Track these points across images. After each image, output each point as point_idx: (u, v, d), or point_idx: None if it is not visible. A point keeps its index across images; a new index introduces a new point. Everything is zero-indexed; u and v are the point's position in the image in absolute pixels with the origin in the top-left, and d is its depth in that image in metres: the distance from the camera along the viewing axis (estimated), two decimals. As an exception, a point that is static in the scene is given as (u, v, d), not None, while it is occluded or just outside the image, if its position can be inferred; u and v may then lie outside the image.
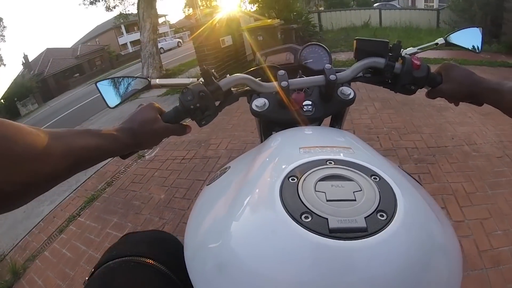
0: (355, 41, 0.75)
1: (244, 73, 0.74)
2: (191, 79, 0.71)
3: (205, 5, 15.27)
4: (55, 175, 0.44)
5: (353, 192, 0.38)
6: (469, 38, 0.79)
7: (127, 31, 36.39)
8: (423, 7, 16.18)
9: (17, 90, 24.25)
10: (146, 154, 3.69)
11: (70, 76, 29.38)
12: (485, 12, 7.15)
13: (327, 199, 0.37)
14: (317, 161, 0.44)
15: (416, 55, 0.73)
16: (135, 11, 9.76)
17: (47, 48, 31.44)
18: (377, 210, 0.36)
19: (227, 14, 6.49)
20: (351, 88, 0.76)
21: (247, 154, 0.70)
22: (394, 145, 2.99)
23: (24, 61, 29.69)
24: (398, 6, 18.93)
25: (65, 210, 3.05)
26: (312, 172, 0.42)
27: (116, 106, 0.70)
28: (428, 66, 0.71)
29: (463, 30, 0.80)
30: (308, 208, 0.36)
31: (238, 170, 0.58)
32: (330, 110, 0.76)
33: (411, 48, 0.77)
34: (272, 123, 0.85)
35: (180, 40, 33.07)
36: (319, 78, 0.71)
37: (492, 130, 3.17)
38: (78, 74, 29.91)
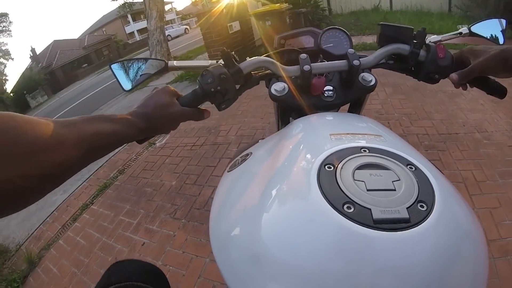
0: (379, 26, 0.73)
1: (265, 56, 0.72)
2: (210, 61, 0.69)
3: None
4: (70, 165, 0.43)
5: (392, 181, 0.37)
6: (492, 28, 0.78)
7: (134, 20, 36.26)
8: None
9: (26, 83, 24.64)
10: (157, 142, 3.72)
11: (78, 67, 29.60)
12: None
13: (367, 188, 0.36)
14: (352, 148, 0.43)
15: (440, 43, 0.71)
16: (140, 0, 9.70)
17: (54, 40, 31.60)
18: (417, 201, 0.35)
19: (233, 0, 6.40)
20: (372, 75, 0.74)
21: (268, 140, 0.68)
22: (404, 131, 2.95)
23: (31, 54, 30.00)
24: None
25: (78, 199, 3.11)
26: (348, 160, 0.40)
27: (131, 89, 0.69)
28: (452, 55, 0.69)
29: (486, 21, 0.79)
30: (349, 198, 0.35)
31: (262, 157, 0.57)
32: (351, 96, 0.74)
33: (435, 36, 0.75)
34: (290, 108, 0.83)
35: (187, 27, 32.92)
36: (342, 63, 0.69)
37: (504, 118, 3.09)
38: (86, 65, 30.10)
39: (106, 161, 3.69)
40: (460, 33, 0.76)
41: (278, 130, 0.87)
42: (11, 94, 26.46)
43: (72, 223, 2.72)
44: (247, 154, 0.62)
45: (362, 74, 0.74)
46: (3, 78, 27.65)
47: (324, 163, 0.40)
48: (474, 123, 3.01)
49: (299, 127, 0.60)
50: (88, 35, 34.48)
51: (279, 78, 0.73)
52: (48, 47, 31.01)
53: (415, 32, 0.70)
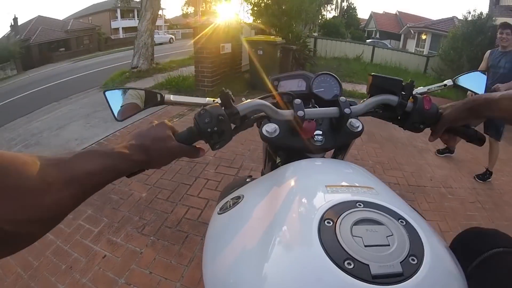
0: (370, 77, 0.77)
1: (259, 98, 0.73)
2: (207, 99, 0.69)
3: (204, 7, 15.31)
4: (59, 207, 0.40)
5: (386, 237, 0.40)
6: (474, 81, 0.84)
7: (122, 17, 35.61)
8: (413, 51, 17.03)
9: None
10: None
11: (55, 49, 28.16)
12: (472, 65, 7.65)
13: (365, 244, 0.38)
14: (348, 202, 0.46)
15: (426, 95, 0.75)
16: (137, -1, 9.59)
17: (39, 15, 30.14)
18: (409, 255, 0.38)
19: (231, 22, 6.52)
20: (359, 121, 0.78)
21: (259, 182, 0.69)
22: (378, 178, 3.09)
23: (12, 24, 28.31)
24: (389, 46, 19.82)
25: None
26: (346, 215, 0.43)
27: (124, 119, 0.66)
28: (437, 106, 0.73)
29: (469, 73, 0.85)
30: (349, 254, 0.37)
31: (255, 202, 0.57)
32: (339, 141, 0.78)
33: (421, 87, 0.80)
34: (280, 149, 0.86)
35: (173, 37, 32.71)
36: (333, 110, 0.72)
37: (466, 176, 3.41)
38: (63, 49, 28.72)
39: (70, 157, 3.46)
40: (445, 85, 0.82)
41: (265, 168, 0.89)
42: None
43: None
44: (239, 197, 0.62)
45: (350, 120, 0.77)
46: None
47: (324, 218, 0.42)
48: (440, 178, 3.28)
49: (293, 173, 0.61)
50: (73, 19, 33.13)
51: (270, 119, 0.75)
52: (30, 20, 29.32)
53: (403, 84, 0.74)
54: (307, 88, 0.84)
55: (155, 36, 9.71)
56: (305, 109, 0.69)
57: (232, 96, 0.65)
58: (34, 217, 0.37)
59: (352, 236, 0.39)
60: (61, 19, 33.10)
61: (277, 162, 0.88)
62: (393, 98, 0.74)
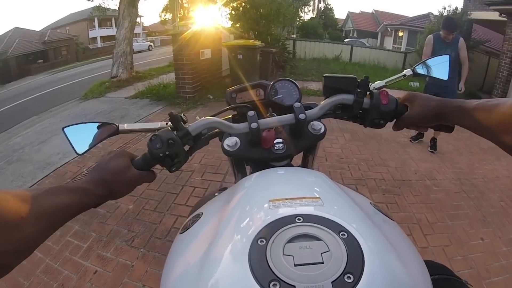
0: (323, 78, 0.76)
1: (215, 114, 0.74)
2: (159, 123, 0.70)
3: (182, 13, 15.24)
4: (32, 239, 0.43)
5: (321, 253, 0.38)
6: (437, 67, 0.80)
7: (100, 26, 35.05)
8: (391, 49, 17.42)
9: None
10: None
11: (33, 61, 27.44)
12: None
13: (295, 263, 0.37)
14: (286, 218, 0.44)
15: (384, 89, 0.74)
16: (114, 6, 9.47)
17: (16, 27, 29.33)
18: (344, 273, 0.35)
19: (209, 27, 6.51)
20: (321, 123, 0.77)
21: (218, 198, 0.69)
22: (363, 175, 3.17)
23: None
24: (367, 44, 20.22)
25: None
26: (281, 232, 0.41)
27: (84, 152, 0.69)
28: (396, 99, 0.73)
29: (431, 59, 0.81)
30: (276, 275, 0.35)
31: (210, 220, 0.58)
32: (301, 146, 0.76)
33: (379, 82, 0.77)
34: (243, 161, 0.86)
35: (152, 44, 32.40)
36: (289, 117, 0.72)
37: (450, 168, 3.52)
38: (42, 61, 27.99)
39: (53, 171, 3.37)
40: (404, 75, 0.79)
41: (235, 180, 0.89)
42: None
43: None
44: (198, 215, 0.63)
45: (311, 123, 0.76)
46: None
47: (257, 237, 0.41)
48: (425, 171, 3.37)
49: (244, 189, 0.61)
50: (50, 30, 32.30)
51: (230, 133, 0.75)
52: (7, 32, 28.54)
53: (358, 81, 0.73)
54: (265, 96, 0.84)
55: (133, 44, 9.61)
56: (259, 120, 0.70)
57: (182, 117, 0.67)
58: (9, 249, 0.39)
59: (283, 255, 0.38)
60: (38, 30, 32.41)
61: (248, 172, 0.87)
62: (348, 97, 0.73)
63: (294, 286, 0.34)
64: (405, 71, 0.79)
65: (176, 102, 5.86)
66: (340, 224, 0.42)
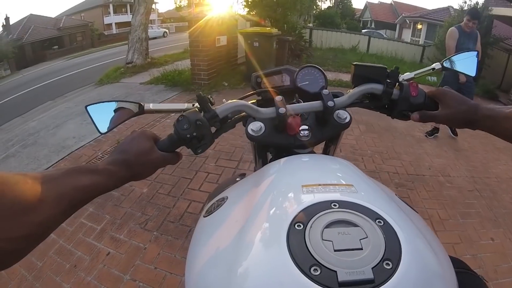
0: (353, 66, 0.75)
1: (241, 98, 0.73)
2: (186, 104, 0.69)
3: (198, 1, 15.11)
4: (51, 222, 0.42)
5: (360, 239, 0.38)
6: (464, 63, 0.79)
7: (115, 12, 35.17)
8: (409, 41, 16.98)
9: None
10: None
11: (48, 47, 27.88)
12: (469, 55, 7.69)
13: (335, 248, 0.37)
14: (322, 203, 0.44)
15: (413, 81, 0.74)
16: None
17: (31, 14, 29.71)
18: (383, 259, 0.36)
19: (225, 14, 6.45)
20: (347, 112, 0.76)
21: (244, 183, 0.69)
22: (377, 168, 3.14)
23: (4, 23, 27.89)
24: (385, 36, 19.76)
25: None
26: (318, 217, 0.41)
27: (108, 131, 0.67)
28: (425, 92, 0.72)
29: (459, 54, 0.80)
30: (316, 260, 0.35)
31: (237, 204, 0.57)
32: (327, 134, 0.76)
33: (408, 73, 0.76)
34: (268, 146, 0.85)
35: (167, 31, 32.38)
36: (317, 104, 0.71)
37: (464, 165, 3.44)
38: (57, 47, 28.42)
39: (68, 154, 3.44)
40: (433, 68, 0.78)
41: (256, 165, 0.89)
42: None
43: None
44: (223, 199, 0.62)
45: (337, 112, 0.75)
46: None
47: (294, 222, 0.41)
48: (439, 167, 3.31)
49: (273, 173, 0.61)
50: (65, 16, 32.64)
51: (255, 117, 0.74)
52: (22, 19, 28.97)
53: (388, 71, 0.72)
54: (291, 82, 0.82)
55: (150, 30, 9.61)
56: (287, 105, 0.69)
57: (210, 99, 0.66)
58: (27, 234, 0.38)
59: (322, 240, 0.38)
60: (53, 16, 32.82)
61: (268, 159, 0.87)
62: (378, 87, 0.73)
63: (336, 272, 0.34)
64: (434, 64, 0.78)
65: (191, 88, 5.86)
66: (375, 212, 0.43)
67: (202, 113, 0.63)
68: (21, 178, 0.39)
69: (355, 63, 0.75)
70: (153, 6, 39.17)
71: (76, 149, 3.52)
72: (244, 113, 0.72)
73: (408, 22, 22.97)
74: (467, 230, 2.30)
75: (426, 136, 4.08)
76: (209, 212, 0.60)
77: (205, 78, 5.87)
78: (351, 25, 26.27)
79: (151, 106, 0.68)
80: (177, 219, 2.25)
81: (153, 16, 37.99)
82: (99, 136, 3.77)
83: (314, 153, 0.79)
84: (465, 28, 3.68)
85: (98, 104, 0.67)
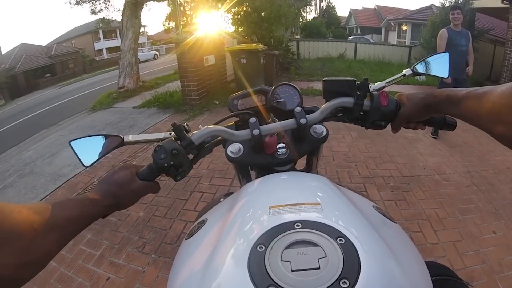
0: (323, 82, 0.76)
1: (218, 122, 0.77)
2: (163, 133, 0.72)
3: (185, 21, 15.36)
4: (45, 251, 0.44)
5: (318, 259, 0.39)
6: (436, 65, 0.79)
7: (105, 37, 35.69)
8: (395, 43, 17.25)
9: None
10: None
11: (41, 75, 28.06)
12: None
13: (292, 269, 0.38)
14: (285, 224, 0.45)
15: (384, 90, 0.75)
16: (118, 18, 9.62)
17: (22, 43, 30.04)
18: (340, 278, 0.36)
19: (212, 33, 6.57)
20: (323, 126, 0.77)
21: (223, 204, 0.70)
22: (371, 173, 3.15)
23: None
24: (371, 41, 20.06)
25: None
26: (279, 238, 0.42)
27: (91, 164, 0.71)
28: (396, 100, 0.72)
29: (430, 57, 0.79)
30: (273, 281, 0.36)
31: (214, 226, 0.59)
32: (304, 150, 0.76)
33: (379, 83, 0.77)
34: (247, 167, 0.86)
35: (157, 53, 32.83)
36: (290, 122, 0.73)
37: (459, 161, 3.46)
38: (49, 75, 28.61)
39: (65, 182, 3.44)
40: (404, 75, 0.78)
41: (241, 185, 0.90)
42: None
43: None
44: (203, 221, 0.64)
45: (313, 127, 0.76)
46: None
47: (256, 243, 0.42)
48: (434, 166, 3.33)
49: (246, 195, 0.62)
50: (56, 44, 32.94)
51: (232, 140, 0.76)
52: (14, 49, 29.32)
53: (358, 83, 0.74)
54: (267, 102, 0.85)
55: (139, 54, 9.75)
56: (261, 126, 0.71)
57: (186, 126, 0.69)
58: (24, 261, 0.40)
59: (280, 261, 0.39)
60: (44, 44, 33.02)
61: (253, 177, 0.87)
62: (348, 100, 0.74)
63: None
64: (404, 71, 0.79)
65: (183, 109, 5.92)
66: (338, 230, 0.43)
67: (178, 142, 0.66)
68: (16, 207, 0.42)
69: (324, 79, 0.77)
70: (142, 29, 39.62)
71: (72, 177, 3.52)
72: (219, 137, 0.75)
73: (393, 24, 23.32)
74: (468, 226, 2.30)
75: (435, 137, 4.13)
76: (190, 235, 0.62)
77: (196, 98, 5.95)
78: (337, 33, 26.70)
79: (130, 137, 0.72)
80: (174, 240, 2.25)
81: (143, 39, 38.44)
82: (93, 162, 3.77)
83: (295, 169, 0.80)
84: (453, 27, 3.88)
85: (81, 139, 0.71)
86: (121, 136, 0.71)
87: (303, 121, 0.71)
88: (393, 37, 23.09)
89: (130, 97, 7.93)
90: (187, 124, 0.70)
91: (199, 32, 5.99)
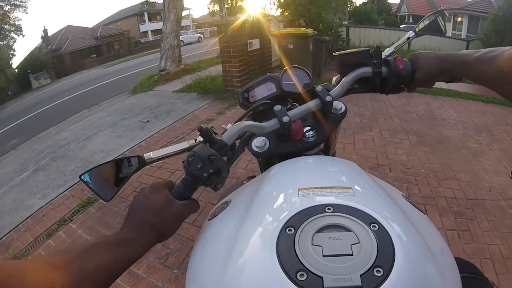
0: (337, 57, 0.77)
1: (238, 120, 0.69)
2: (188, 142, 0.67)
3: (230, 4, 15.08)
4: None
5: (351, 245, 0.37)
6: (433, 24, 0.86)
7: (150, 20, 36.60)
8: (450, 35, 15.84)
9: (32, 63, 24.49)
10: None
11: (87, 56, 29.50)
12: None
13: (324, 254, 0.36)
14: (316, 207, 0.43)
15: (397, 55, 0.76)
16: (160, 1, 9.54)
17: (68, 25, 31.67)
18: (373, 266, 0.34)
19: (258, 16, 6.17)
20: (341, 102, 0.77)
21: (247, 186, 0.67)
22: (433, 191, 2.70)
23: (43, 35, 30.05)
24: (425, 31, 18.65)
25: (57, 210, 2.82)
26: (310, 221, 0.41)
27: (113, 197, 0.61)
28: (410, 62, 0.74)
29: (427, 17, 0.86)
30: (303, 265, 0.35)
31: (238, 207, 0.56)
32: (330, 128, 0.76)
33: (387, 49, 0.82)
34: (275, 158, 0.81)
35: (201, 36, 32.93)
36: (315, 102, 0.71)
37: None
38: (95, 55, 29.97)
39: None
40: (408, 37, 0.86)
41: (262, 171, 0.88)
42: (16, 70, 26.15)
43: (46, 239, 2.43)
44: (227, 202, 0.61)
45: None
46: (11, 53, 26.84)
47: (286, 226, 0.40)
48: (499, 188, 2.82)
49: (273, 177, 0.60)
50: (102, 26, 34.54)
51: (260, 133, 0.72)
52: (60, 30, 31.06)
53: (371, 52, 0.75)
54: (277, 88, 0.83)
55: (184, 36, 9.67)
56: (288, 112, 0.68)
57: (213, 129, 0.62)
58: None
59: (311, 245, 0.37)
60: (90, 26, 34.64)
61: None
62: (367, 70, 0.74)
63: (322, 278, 0.34)
64: (407, 33, 0.88)
65: (224, 96, 5.66)
66: (371, 215, 0.41)
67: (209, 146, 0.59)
68: (30, 266, 0.36)
69: (337, 53, 0.77)
70: (187, 12, 40.31)
71: (102, 164, 3.43)
72: (246, 133, 0.69)
73: (447, 15, 21.33)
74: (535, 271, 1.83)
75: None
76: (213, 215, 0.60)
77: (237, 85, 5.63)
78: (389, 20, 25.21)
79: (152, 155, 0.65)
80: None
81: (187, 22, 39.03)
82: (126, 151, 3.68)
83: (321, 153, 0.80)
84: None
85: (92, 170, 0.61)
86: (141, 155, 0.64)
87: (328, 98, 0.69)
88: (448, 29, 21.24)
89: (171, 80, 7.85)
90: (212, 126, 0.63)
91: (244, 15, 5.64)
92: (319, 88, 0.71)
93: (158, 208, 0.51)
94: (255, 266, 0.38)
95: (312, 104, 0.70)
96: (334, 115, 0.75)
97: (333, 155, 0.89)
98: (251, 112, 0.76)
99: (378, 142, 3.52)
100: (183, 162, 0.57)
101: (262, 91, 0.83)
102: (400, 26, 21.68)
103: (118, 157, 0.63)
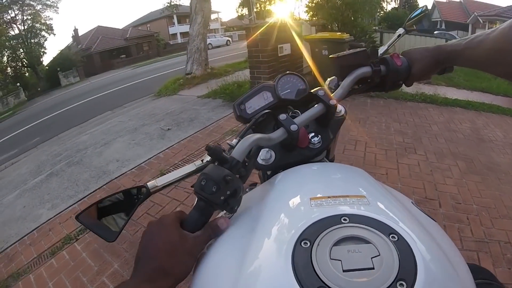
0: (334, 59, 0.76)
1: (242, 134, 0.61)
2: (194, 164, 0.61)
3: (259, 8, 14.85)
4: None
5: (371, 258, 0.34)
6: (420, 20, 0.90)
7: (179, 22, 37.24)
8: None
9: (62, 61, 25.61)
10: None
11: (116, 56, 30.36)
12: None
13: (344, 269, 0.33)
14: (331, 218, 0.39)
15: (394, 52, 0.77)
16: (187, 3, 9.43)
17: (98, 26, 32.80)
18: (396, 279, 0.32)
19: (289, 20, 5.81)
20: (339, 105, 0.75)
21: (251, 195, 0.63)
22: (486, 234, 2.25)
23: (73, 34, 31.41)
24: (457, 37, 17.74)
25: (63, 225, 2.66)
26: (326, 233, 0.37)
27: (117, 236, 0.53)
28: (406, 58, 0.75)
29: (414, 13, 0.91)
30: (323, 282, 0.32)
31: (245, 218, 0.52)
32: (333, 132, 0.74)
33: (382, 47, 0.87)
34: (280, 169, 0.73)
35: (229, 39, 33.05)
36: (319, 107, 0.69)
37: None
38: (124, 56, 30.82)
39: (107, 183, 3.21)
40: (399, 35, 0.91)
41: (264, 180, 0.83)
42: (46, 67, 27.43)
43: (49, 257, 2.31)
44: None
45: None
46: (42, 50, 28.25)
47: (300, 239, 0.37)
48: None
49: (281, 185, 0.57)
50: (132, 27, 35.55)
51: (268, 146, 0.67)
52: (90, 31, 32.21)
53: (368, 52, 0.75)
54: (274, 97, 0.79)
55: (212, 39, 9.53)
56: (294, 120, 0.65)
57: (222, 147, 0.55)
58: None
59: (329, 259, 0.34)
60: (120, 28, 35.68)
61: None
62: (366, 70, 0.75)
63: None
64: (398, 31, 0.92)
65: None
66: (389, 226, 0.38)
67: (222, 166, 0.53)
68: None
69: (333, 55, 0.77)
70: (216, 15, 40.69)
71: (115, 177, 3.28)
72: (253, 147, 0.60)
73: (481, 21, 20.09)
74: None
75: None
76: None
77: (266, 93, 5.29)
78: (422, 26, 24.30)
79: (156, 182, 0.58)
80: None
81: (216, 25, 39.36)
82: (142, 162, 3.46)
83: (325, 159, 0.78)
84: None
85: (90, 208, 0.55)
86: (144, 185, 0.57)
87: (332, 102, 0.68)
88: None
89: (196, 84, 7.65)
90: (219, 144, 0.56)
91: (274, 19, 5.31)
92: (320, 92, 0.70)
93: (169, 248, 0.44)
94: (270, 282, 0.35)
95: (317, 109, 0.69)
96: (336, 119, 0.74)
97: (333, 159, 0.87)
98: (254, 123, 0.73)
99: (425, 168, 3.08)
100: (192, 186, 0.51)
101: (259, 101, 0.80)
102: (434, 32, 20.76)
103: (119, 191, 0.56)
